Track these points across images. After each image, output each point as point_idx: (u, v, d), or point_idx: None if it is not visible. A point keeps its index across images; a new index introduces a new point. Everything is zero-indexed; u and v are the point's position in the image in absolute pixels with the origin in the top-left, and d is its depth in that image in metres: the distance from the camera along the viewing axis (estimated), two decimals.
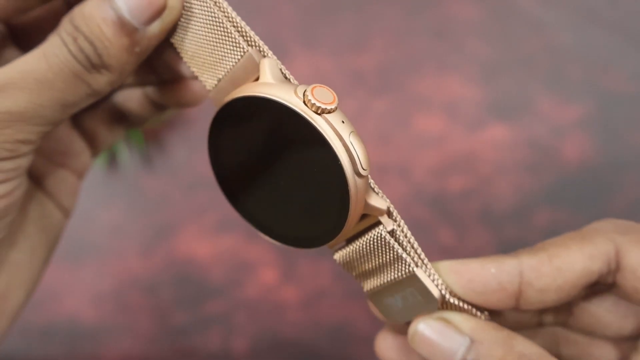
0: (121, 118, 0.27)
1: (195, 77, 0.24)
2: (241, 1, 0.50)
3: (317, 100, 0.19)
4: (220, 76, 0.22)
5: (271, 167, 0.20)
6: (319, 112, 0.19)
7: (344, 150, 0.19)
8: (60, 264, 0.40)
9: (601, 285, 0.22)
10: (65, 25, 0.20)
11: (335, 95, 0.19)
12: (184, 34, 0.22)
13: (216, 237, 0.41)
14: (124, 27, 0.20)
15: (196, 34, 0.22)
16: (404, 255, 0.21)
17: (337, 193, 0.19)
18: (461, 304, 0.22)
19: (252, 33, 0.22)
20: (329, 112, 0.19)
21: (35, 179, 0.26)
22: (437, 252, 0.40)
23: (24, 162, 0.22)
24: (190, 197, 0.42)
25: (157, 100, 0.26)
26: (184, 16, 0.22)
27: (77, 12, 0.20)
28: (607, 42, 0.48)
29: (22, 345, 0.38)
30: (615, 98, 0.46)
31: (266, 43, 0.23)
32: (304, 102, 0.19)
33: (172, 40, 0.23)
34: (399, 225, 0.21)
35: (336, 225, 0.20)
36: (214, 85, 0.22)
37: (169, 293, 0.39)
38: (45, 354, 0.37)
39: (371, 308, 0.24)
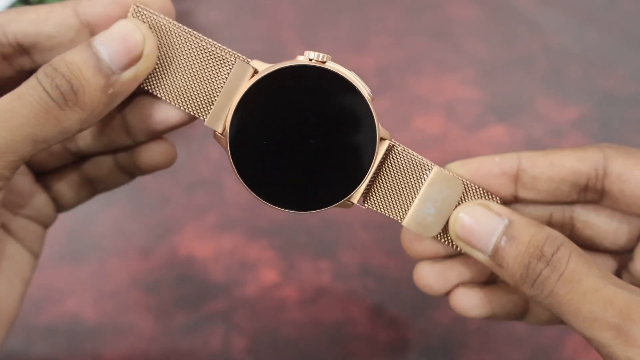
0: (88, 183, 0.28)
1: (188, 116, 0.26)
2: (241, 1, 0.50)
3: (318, 55, 0.23)
4: (216, 97, 0.24)
5: (299, 133, 0.24)
6: (325, 62, 0.24)
7: (362, 85, 0.24)
8: (61, 263, 0.40)
9: (592, 193, 0.26)
10: (43, 68, 0.22)
11: (322, 53, 0.24)
12: (166, 78, 0.24)
13: (216, 237, 0.41)
14: (102, 69, 0.22)
15: (180, 70, 0.24)
16: (421, 158, 0.25)
17: (366, 125, 0.24)
18: (480, 189, 0.26)
19: (224, 46, 0.24)
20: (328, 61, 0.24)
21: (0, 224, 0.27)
22: None
23: None
24: (191, 197, 0.42)
25: (128, 166, 0.28)
26: (162, 62, 0.24)
27: (58, 58, 0.22)
28: (606, 43, 0.48)
29: (23, 344, 0.38)
30: (613, 99, 0.46)
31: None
32: (309, 59, 0.24)
33: (155, 91, 0.25)
34: (398, 145, 0.25)
35: (369, 156, 0.24)
36: (209, 112, 0.24)
37: (169, 293, 0.39)
38: (46, 353, 0.38)
39: (406, 247, 0.27)
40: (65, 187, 0.28)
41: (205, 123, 0.24)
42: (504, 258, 0.23)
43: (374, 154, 0.24)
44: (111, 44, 0.23)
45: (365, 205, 0.25)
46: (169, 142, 0.27)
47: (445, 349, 0.38)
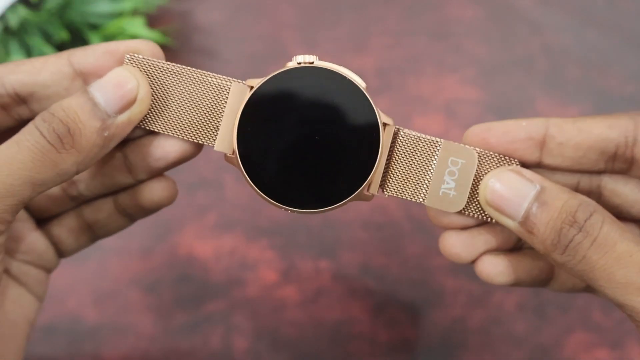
0: (87, 229, 0.29)
1: (188, 152, 0.27)
2: (241, 2, 0.50)
3: (304, 58, 0.24)
4: (220, 122, 0.25)
5: (303, 134, 0.24)
6: (313, 62, 0.24)
7: (353, 76, 0.24)
8: (62, 263, 0.40)
9: (621, 163, 0.25)
10: (41, 115, 0.23)
11: (309, 55, 0.25)
12: (167, 115, 0.26)
13: (216, 237, 0.41)
14: (98, 113, 0.23)
15: (180, 104, 0.25)
16: (428, 137, 0.25)
17: (365, 113, 0.24)
18: (496, 155, 0.25)
19: (217, 75, 0.26)
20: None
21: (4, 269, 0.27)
22: (437, 252, 0.40)
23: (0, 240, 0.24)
24: (191, 197, 0.42)
25: (129, 207, 0.28)
26: (160, 100, 0.25)
27: (55, 104, 0.23)
28: (605, 43, 0.48)
29: None
30: (613, 99, 0.46)
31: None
32: (297, 63, 0.24)
33: (156, 128, 0.26)
34: (403, 129, 0.26)
35: (375, 143, 0.24)
36: (216, 136, 0.25)
37: (169, 293, 0.39)
38: (46, 353, 0.38)
39: (433, 219, 0.27)
40: (65, 232, 0.29)
41: (215, 148, 0.25)
42: (535, 224, 0.23)
43: (379, 140, 0.24)
44: (106, 90, 0.24)
45: (385, 193, 0.26)
46: (170, 178, 0.28)
47: (445, 349, 0.38)
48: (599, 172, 0.26)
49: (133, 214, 0.29)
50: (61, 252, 0.30)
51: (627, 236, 0.22)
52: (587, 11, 0.49)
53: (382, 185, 0.26)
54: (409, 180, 0.26)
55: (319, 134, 0.24)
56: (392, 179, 0.26)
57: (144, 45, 0.25)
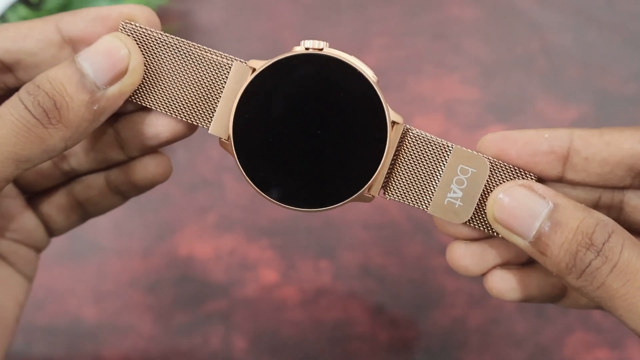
0: (78, 207, 0.28)
1: (182, 131, 0.25)
2: (241, 1, 0.50)
3: (314, 43, 0.23)
4: (217, 103, 0.23)
5: (305, 127, 0.23)
6: (322, 49, 0.23)
7: (365, 68, 0.22)
8: (62, 263, 0.40)
9: None
10: (25, 87, 0.22)
11: (319, 41, 0.23)
12: (160, 90, 0.24)
13: (216, 237, 0.41)
14: (86, 85, 0.22)
15: (175, 81, 0.24)
16: (439, 139, 0.23)
17: (374, 109, 0.22)
18: (510, 166, 0.23)
19: (219, 51, 0.24)
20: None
21: None
22: (437, 252, 0.40)
23: None
24: (191, 197, 0.42)
25: (122, 184, 0.27)
26: (154, 74, 0.24)
27: (41, 75, 0.22)
28: (605, 43, 0.48)
29: (23, 344, 0.38)
30: (612, 99, 0.46)
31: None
32: (306, 48, 0.23)
33: (149, 104, 0.24)
34: (413, 128, 0.24)
35: (382, 142, 0.23)
36: (212, 119, 0.24)
37: (169, 293, 0.39)
38: (46, 353, 0.38)
39: (440, 227, 0.25)
40: (55, 210, 0.28)
41: (210, 131, 0.24)
42: (547, 245, 0.21)
43: (386, 139, 0.23)
44: (95, 59, 0.22)
45: (387, 196, 0.24)
46: (164, 154, 0.26)
47: (445, 349, 0.38)
48: (623, 188, 0.24)
49: (125, 192, 0.27)
50: (51, 231, 0.28)
51: None
52: (587, 11, 0.49)
53: (385, 187, 0.24)
54: (413, 185, 0.24)
55: (322, 128, 0.22)
56: (395, 181, 0.24)
57: (139, 11, 0.23)
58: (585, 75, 0.47)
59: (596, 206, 0.25)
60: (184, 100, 0.24)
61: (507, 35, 0.48)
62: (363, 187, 0.23)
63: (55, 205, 0.28)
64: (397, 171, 0.24)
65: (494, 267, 0.25)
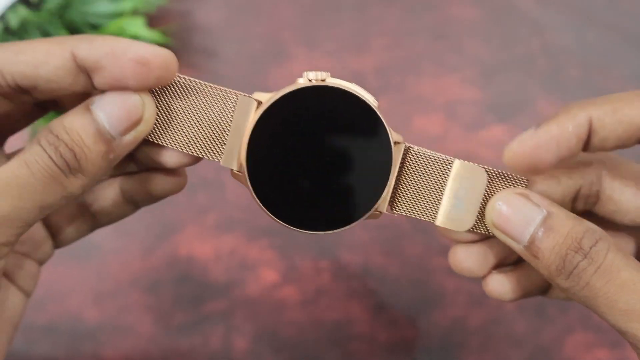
0: (90, 217, 0.28)
1: (197, 159, 0.26)
2: (241, 2, 0.50)
3: (316, 75, 0.24)
4: (225, 137, 0.25)
5: (314, 155, 0.24)
6: (325, 80, 0.24)
7: (365, 94, 0.24)
8: (62, 263, 0.40)
9: None
10: (46, 134, 0.23)
11: (320, 72, 0.24)
12: (171, 128, 0.25)
13: (217, 237, 0.41)
14: (103, 136, 0.23)
15: (185, 118, 0.25)
16: (439, 155, 0.25)
17: (378, 133, 0.24)
18: (504, 173, 0.25)
19: (224, 87, 0.25)
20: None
21: None
22: (437, 252, 0.40)
23: (1, 264, 0.23)
24: (191, 197, 0.42)
25: (134, 193, 0.27)
26: (164, 113, 0.25)
27: (58, 123, 0.23)
28: (606, 43, 0.48)
29: (23, 344, 0.38)
30: None
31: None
32: (309, 80, 0.24)
33: (161, 141, 0.25)
34: (413, 146, 0.25)
35: (387, 163, 0.24)
36: (222, 152, 0.25)
37: (170, 293, 0.39)
38: (46, 353, 0.38)
39: (443, 233, 0.27)
40: (65, 221, 0.28)
41: (221, 163, 0.25)
42: (539, 249, 0.23)
43: (390, 160, 0.24)
44: (111, 109, 0.23)
45: (394, 212, 0.26)
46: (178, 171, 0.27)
47: (445, 349, 0.38)
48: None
49: (140, 201, 0.28)
50: (58, 242, 0.29)
51: (631, 264, 0.22)
52: (587, 11, 0.49)
53: (392, 204, 0.25)
54: (419, 200, 0.25)
55: (330, 155, 0.24)
56: (401, 197, 0.25)
57: (153, 57, 0.23)
58: (585, 75, 0.47)
59: (576, 196, 0.27)
60: (195, 136, 0.25)
61: (507, 35, 0.48)
62: (373, 206, 0.24)
63: (66, 217, 0.28)
64: (403, 187, 0.25)
65: (492, 271, 0.27)
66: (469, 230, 0.25)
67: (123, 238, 0.41)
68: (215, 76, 0.47)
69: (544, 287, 0.28)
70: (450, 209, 0.25)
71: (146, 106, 0.23)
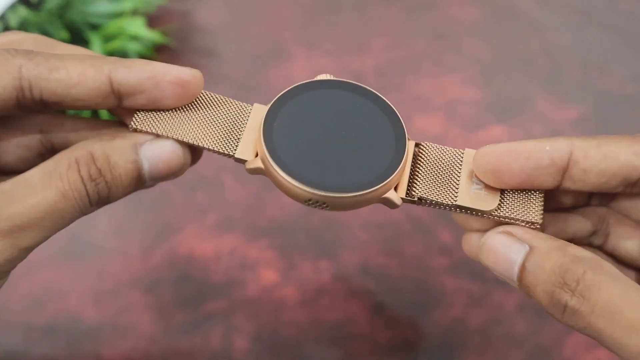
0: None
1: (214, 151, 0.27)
2: (241, 2, 0.50)
3: (327, 76, 0.26)
4: (241, 135, 0.26)
5: (331, 129, 0.25)
6: None
7: (377, 92, 0.27)
8: (62, 263, 0.40)
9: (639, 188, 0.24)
10: (87, 162, 0.23)
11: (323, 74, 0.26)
12: (193, 128, 0.26)
13: (217, 237, 0.41)
14: (140, 180, 0.24)
15: (206, 120, 0.26)
16: (448, 148, 0.26)
17: (392, 123, 0.26)
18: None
19: (242, 102, 0.27)
20: None
21: None
22: (437, 252, 0.40)
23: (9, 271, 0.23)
24: (191, 197, 0.42)
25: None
26: (187, 118, 0.26)
27: (103, 156, 0.23)
28: (605, 43, 0.48)
29: (23, 344, 0.38)
30: (612, 99, 0.46)
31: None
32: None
33: (184, 138, 0.26)
34: (421, 142, 0.26)
35: (401, 150, 0.25)
36: (236, 147, 0.26)
37: (169, 293, 0.39)
38: (46, 353, 0.38)
39: (461, 222, 0.27)
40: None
41: (236, 155, 0.25)
42: (528, 288, 0.22)
43: (404, 148, 0.25)
44: (156, 162, 0.24)
45: (415, 195, 0.25)
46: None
47: (445, 349, 0.38)
48: (614, 194, 0.26)
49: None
50: None
51: (632, 299, 0.20)
52: (587, 11, 0.49)
53: (410, 192, 0.25)
54: (436, 184, 0.25)
55: (347, 131, 0.25)
56: (419, 184, 0.25)
57: (192, 79, 0.24)
58: (585, 75, 0.47)
59: (591, 194, 0.26)
60: (213, 134, 0.26)
61: (507, 35, 0.48)
62: (384, 182, 0.24)
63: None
64: (419, 176, 0.26)
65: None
66: (491, 212, 0.24)
67: (123, 238, 0.41)
68: (216, 76, 0.47)
69: None
70: (471, 189, 0.25)
71: (184, 158, 0.25)
